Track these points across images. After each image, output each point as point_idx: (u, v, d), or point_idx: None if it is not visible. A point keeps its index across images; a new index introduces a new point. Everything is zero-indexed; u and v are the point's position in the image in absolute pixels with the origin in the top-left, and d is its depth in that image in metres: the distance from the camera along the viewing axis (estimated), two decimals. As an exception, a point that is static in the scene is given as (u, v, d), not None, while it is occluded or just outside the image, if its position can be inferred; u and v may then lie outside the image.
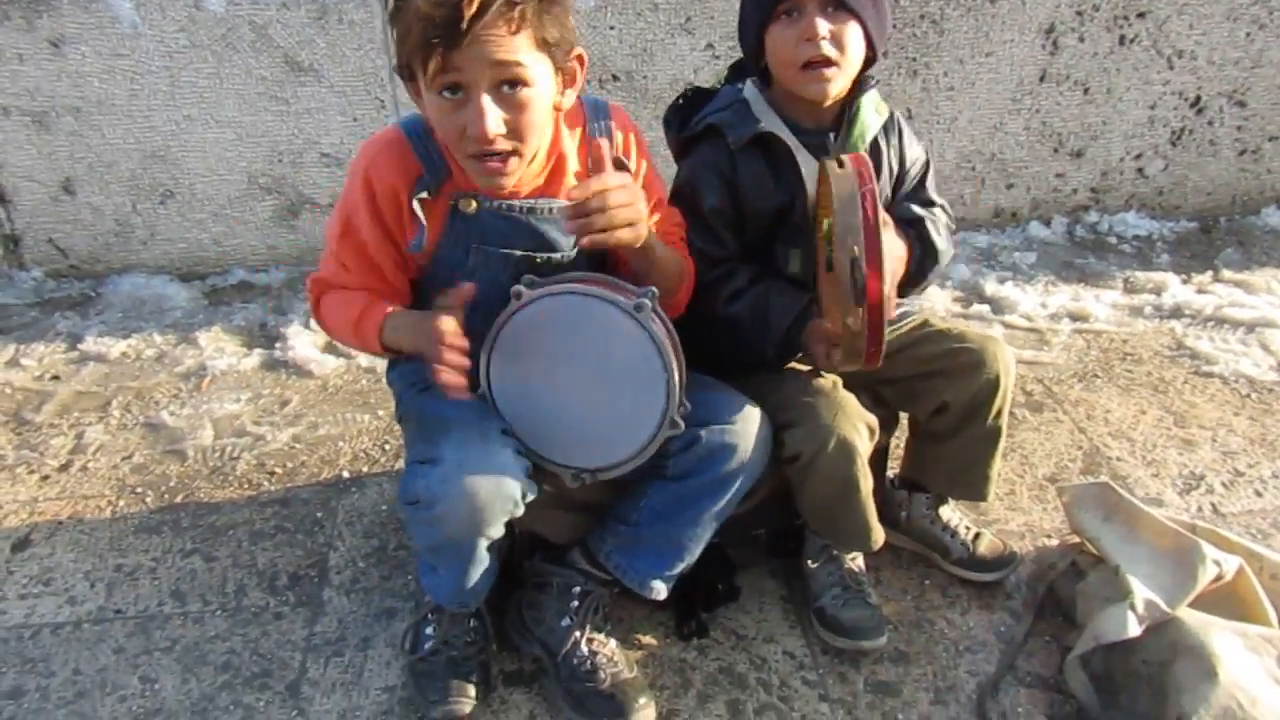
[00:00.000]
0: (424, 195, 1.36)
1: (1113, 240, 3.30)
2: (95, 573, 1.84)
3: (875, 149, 1.58)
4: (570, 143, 1.44)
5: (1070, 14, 3.00)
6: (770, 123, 1.53)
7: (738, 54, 1.62)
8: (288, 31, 2.69)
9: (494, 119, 1.23)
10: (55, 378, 2.51)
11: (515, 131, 1.26)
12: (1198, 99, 3.22)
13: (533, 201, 1.41)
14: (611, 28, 2.80)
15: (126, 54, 2.67)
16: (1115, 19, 3.03)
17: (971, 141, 3.17)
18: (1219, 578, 1.59)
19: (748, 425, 1.46)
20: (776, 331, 1.53)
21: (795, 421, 1.48)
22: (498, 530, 1.38)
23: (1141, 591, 1.54)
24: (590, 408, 1.42)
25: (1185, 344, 2.67)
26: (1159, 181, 3.36)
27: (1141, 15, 3.04)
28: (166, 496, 2.05)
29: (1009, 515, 2.00)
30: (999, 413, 1.63)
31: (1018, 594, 1.80)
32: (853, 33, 1.44)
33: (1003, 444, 1.69)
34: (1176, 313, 2.83)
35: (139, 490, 2.07)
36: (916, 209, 1.62)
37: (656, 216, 1.51)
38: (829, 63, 1.43)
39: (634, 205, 1.28)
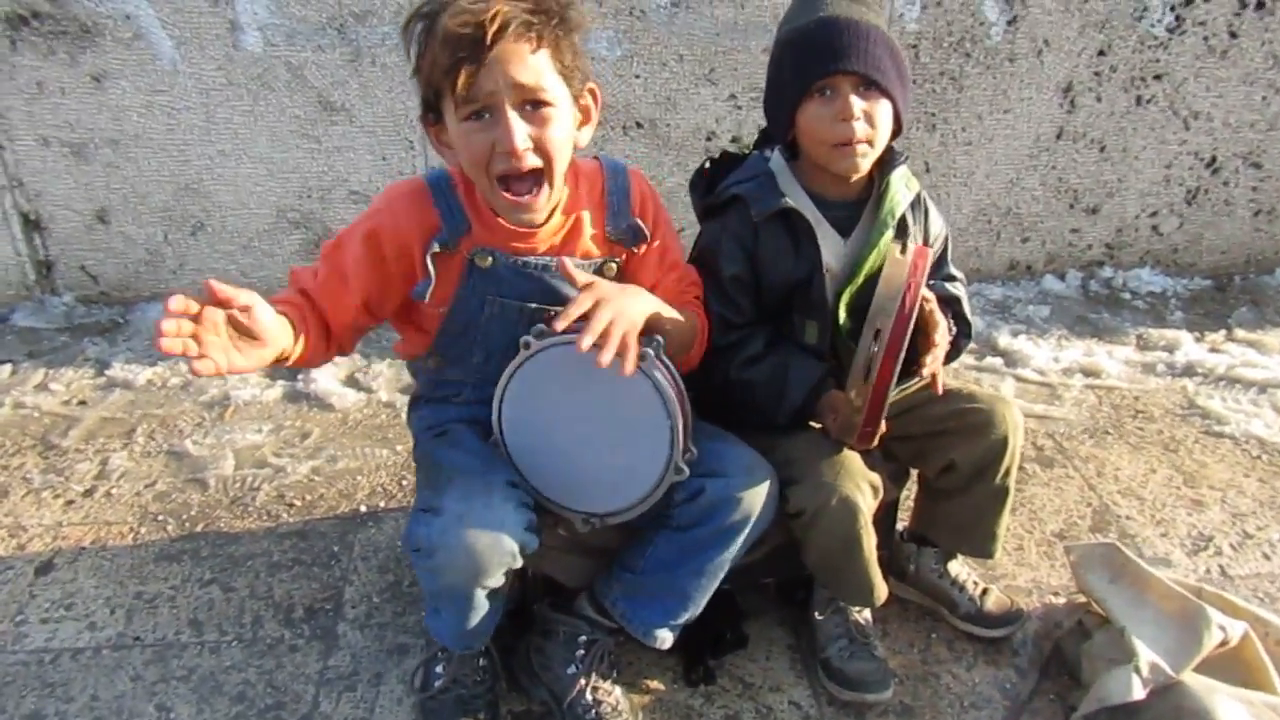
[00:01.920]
0: (436, 250, 1.41)
1: (1126, 296, 3.33)
2: (116, 599, 1.88)
3: (902, 225, 1.61)
4: (588, 203, 1.49)
5: (1088, 74, 3.05)
6: (795, 196, 1.56)
7: (759, 105, 1.65)
8: (322, 72, 2.76)
9: (521, 132, 1.29)
10: (83, 403, 2.56)
11: (541, 148, 1.31)
12: (1213, 159, 3.26)
13: (548, 259, 1.46)
14: (637, 76, 2.86)
15: (165, 90, 2.75)
16: (1133, 80, 3.08)
17: (988, 195, 3.21)
18: (1224, 642, 1.60)
19: (753, 479, 1.48)
20: (793, 400, 1.57)
21: (799, 478, 1.51)
22: (495, 580, 1.39)
23: (1146, 654, 1.56)
24: (598, 454, 1.45)
25: (1197, 403, 2.68)
26: (1174, 239, 3.40)
27: (1159, 77, 3.09)
28: (187, 525, 2.09)
29: (1017, 571, 2.01)
30: (1007, 472, 1.65)
31: (1024, 651, 1.81)
32: (884, 111, 1.48)
33: (1010, 503, 1.71)
34: (1189, 371, 2.85)
35: (160, 518, 2.11)
36: (950, 289, 1.66)
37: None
38: (861, 140, 1.47)
39: (619, 317, 1.31)
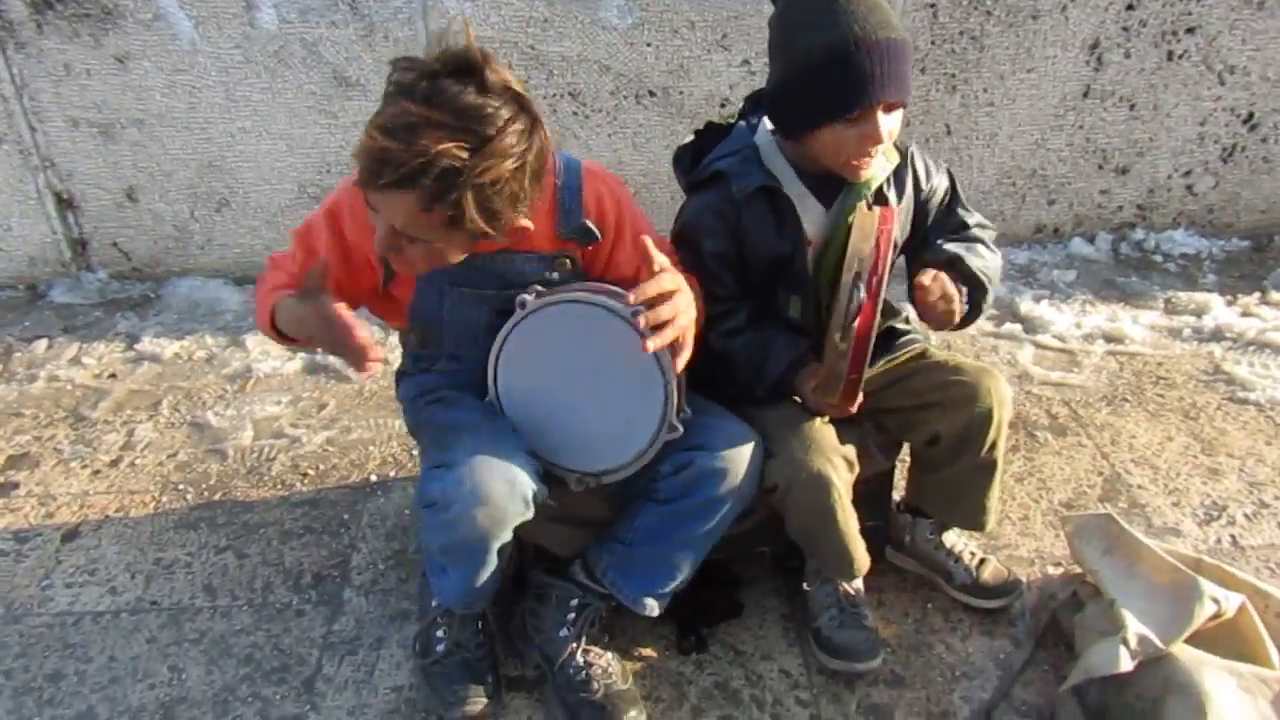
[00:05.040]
0: None
1: (1159, 259, 3.24)
2: (136, 565, 1.96)
3: (880, 196, 1.59)
4: (538, 202, 1.45)
5: (1116, 30, 2.95)
6: (779, 170, 1.56)
7: None
8: (336, 48, 2.80)
9: (387, 248, 1.31)
10: (113, 376, 2.66)
11: (410, 263, 1.35)
12: (1251, 115, 3.15)
13: (497, 254, 1.47)
14: (648, 44, 2.84)
15: (186, 70, 2.80)
16: (1163, 34, 2.98)
17: (1012, 157, 3.14)
18: (1218, 615, 1.58)
19: (739, 452, 1.49)
20: (773, 372, 1.58)
21: (773, 453, 1.53)
22: (508, 532, 1.42)
23: (1135, 626, 1.55)
24: (592, 412, 1.48)
25: (1222, 368, 2.62)
26: (1209, 199, 3.29)
27: (1191, 30, 2.98)
28: (206, 494, 2.17)
29: (1020, 541, 2.00)
30: (993, 445, 1.63)
31: (1021, 622, 1.80)
32: (899, 118, 1.47)
33: (999, 476, 1.70)
34: (1216, 335, 2.78)
35: (181, 487, 2.19)
36: (950, 247, 1.59)
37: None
38: (878, 154, 1.49)
39: (689, 311, 1.35)
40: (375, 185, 1.22)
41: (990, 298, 1.61)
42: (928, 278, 1.48)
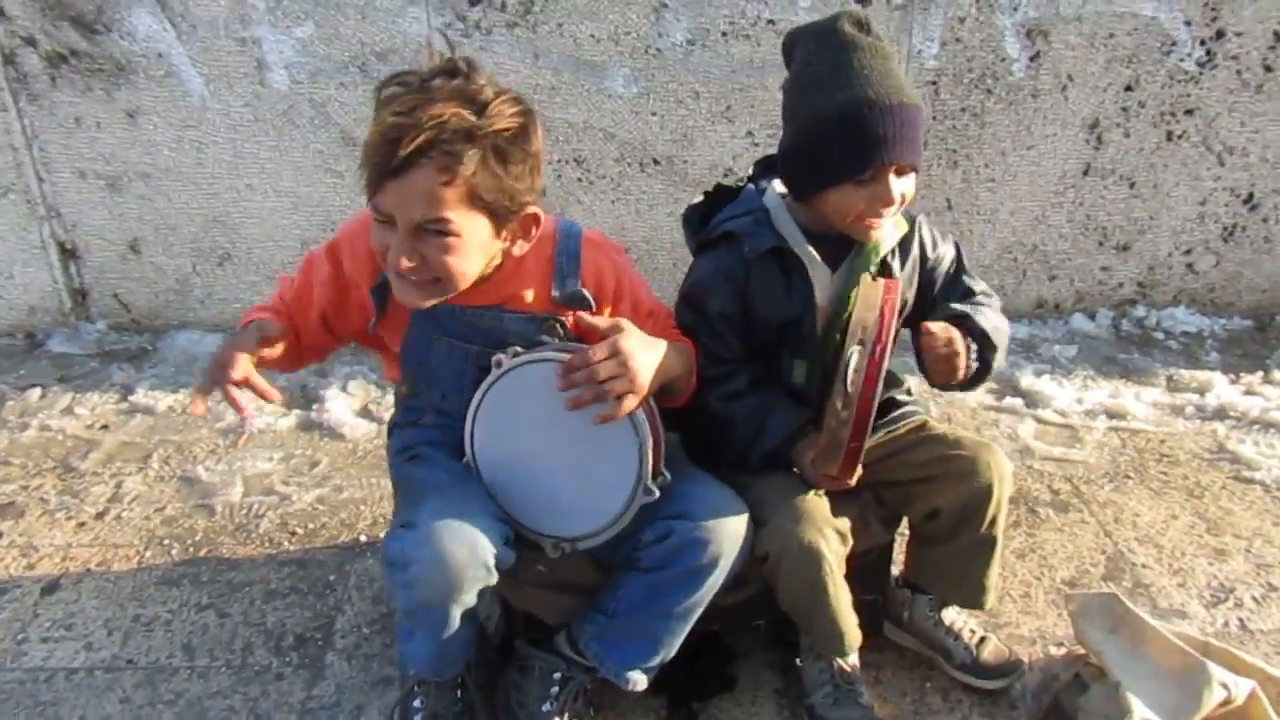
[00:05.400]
0: (379, 283, 1.45)
1: (1160, 336, 3.23)
2: (114, 621, 1.91)
3: (884, 265, 1.59)
4: (535, 263, 1.49)
5: (1115, 110, 2.99)
6: (789, 232, 1.55)
7: (776, 143, 1.58)
8: (345, 109, 2.83)
9: (406, 255, 1.30)
10: (104, 427, 2.63)
11: (430, 268, 1.33)
12: (1251, 195, 3.17)
13: (487, 310, 1.47)
14: (653, 114, 2.88)
15: (195, 125, 2.84)
16: (1162, 115, 3.01)
17: (1013, 233, 3.15)
18: (1227, 701, 1.53)
19: (723, 523, 1.45)
20: (770, 441, 1.55)
21: (764, 521, 1.49)
22: (470, 596, 1.38)
23: (1141, 711, 1.50)
24: (568, 475, 1.45)
25: (1226, 447, 2.59)
26: (1210, 278, 3.30)
27: (1190, 112, 3.02)
28: (191, 550, 2.13)
29: (1022, 619, 1.95)
30: (993, 521, 1.60)
31: (1022, 704, 1.74)
32: (912, 182, 1.48)
33: (999, 553, 1.66)
34: (1220, 414, 2.75)
35: (166, 542, 2.15)
36: (957, 306, 1.59)
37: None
38: (890, 216, 1.49)
39: (624, 375, 1.34)
40: (392, 166, 1.23)
41: (1000, 357, 1.58)
42: (937, 325, 1.46)
